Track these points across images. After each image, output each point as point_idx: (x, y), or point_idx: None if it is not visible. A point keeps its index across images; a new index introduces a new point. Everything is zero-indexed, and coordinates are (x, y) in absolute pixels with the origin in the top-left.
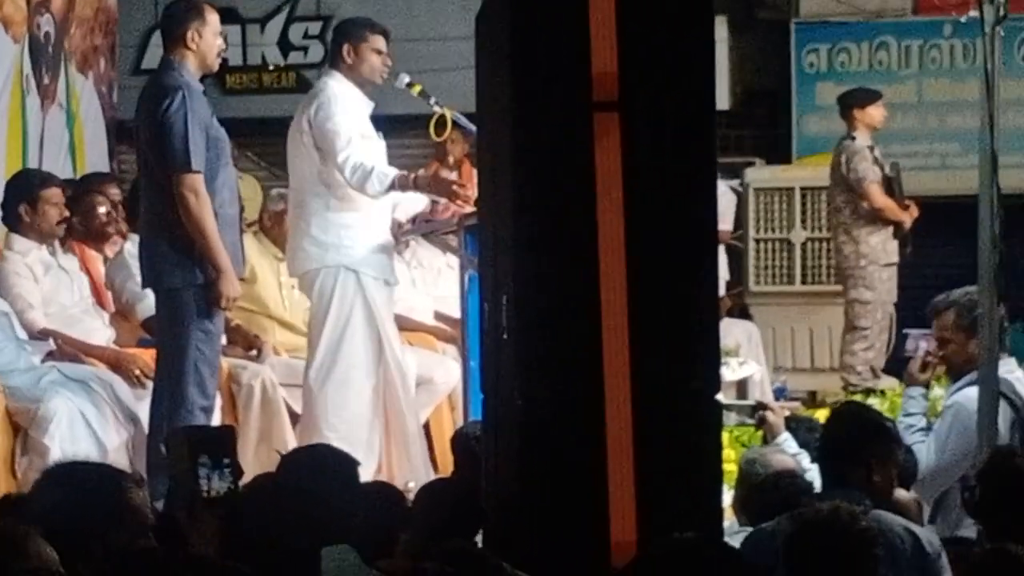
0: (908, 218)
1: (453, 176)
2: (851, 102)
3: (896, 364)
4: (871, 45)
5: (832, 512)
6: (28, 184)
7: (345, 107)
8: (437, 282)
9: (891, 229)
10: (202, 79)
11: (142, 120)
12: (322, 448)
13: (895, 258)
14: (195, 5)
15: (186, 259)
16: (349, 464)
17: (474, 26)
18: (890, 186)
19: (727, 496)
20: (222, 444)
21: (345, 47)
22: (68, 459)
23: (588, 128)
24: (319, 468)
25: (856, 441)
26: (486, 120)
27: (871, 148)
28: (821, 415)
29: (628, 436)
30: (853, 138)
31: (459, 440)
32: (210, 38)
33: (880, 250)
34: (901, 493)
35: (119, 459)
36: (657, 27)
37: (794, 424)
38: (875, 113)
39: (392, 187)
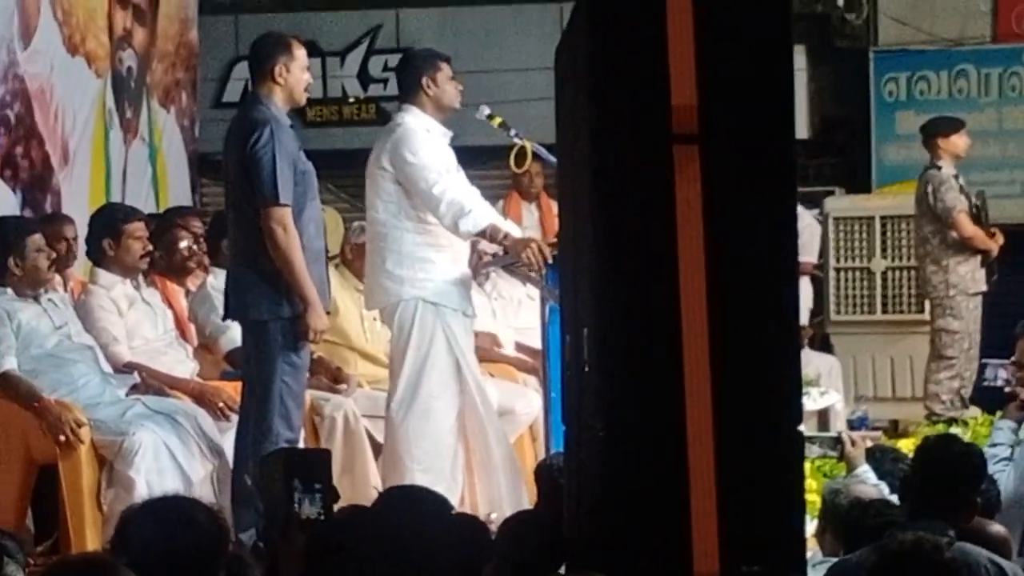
0: (995, 246)
1: (532, 210)
2: (934, 131)
3: (976, 393)
4: (950, 73)
5: (916, 543)
6: (112, 218)
7: (426, 141)
8: (518, 313)
9: (979, 258)
10: (289, 113)
11: (230, 154)
12: (419, 489)
13: (983, 287)
14: (282, 40)
15: (273, 292)
16: (446, 507)
17: (553, 57)
18: (977, 215)
19: (809, 526)
20: (317, 468)
21: (424, 79)
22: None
23: (668, 160)
24: (415, 508)
25: (943, 472)
26: (566, 152)
27: (956, 177)
28: (903, 444)
29: (710, 467)
30: (938, 167)
31: (543, 472)
32: (297, 72)
33: (969, 279)
34: (989, 525)
35: (204, 491)
36: (737, 58)
37: (878, 454)
38: (959, 142)
39: (482, 235)
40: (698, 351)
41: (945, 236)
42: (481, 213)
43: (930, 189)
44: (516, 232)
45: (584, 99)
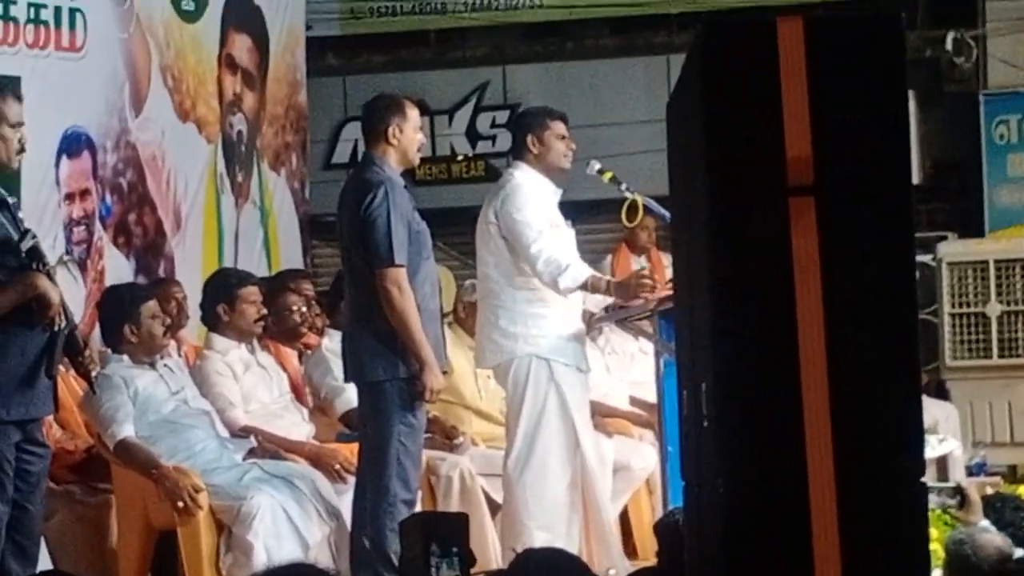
0: None
1: (642, 262)
2: None
3: None
4: None
5: None
6: (226, 284)
7: (532, 197)
8: (631, 367)
9: None
10: (401, 173)
11: (345, 215)
12: (556, 551)
13: None
14: (395, 101)
15: (389, 352)
16: (583, 569)
17: (661, 110)
18: None
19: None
20: (454, 532)
21: (529, 137)
22: (275, 559)
23: (784, 213)
24: (554, 570)
25: None
26: (679, 204)
27: None
28: (1023, 490)
29: (833, 521)
30: None
31: (664, 528)
32: (411, 133)
33: None
34: None
35: (322, 555)
36: (851, 108)
37: (998, 504)
38: None
39: (584, 287)
40: (818, 404)
41: None
42: (579, 268)
43: None
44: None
45: (697, 152)
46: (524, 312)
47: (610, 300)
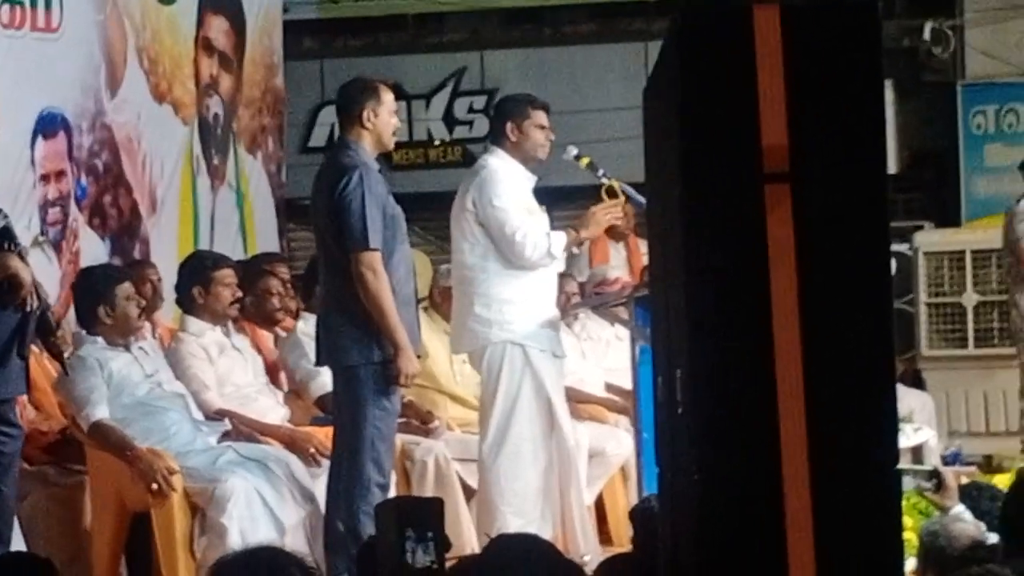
0: None
1: (620, 249)
2: None
3: None
4: None
5: None
6: (201, 266)
7: (507, 184)
8: (607, 354)
9: None
10: (376, 157)
11: (319, 199)
12: (527, 537)
13: None
14: (371, 84)
15: (364, 336)
16: (554, 554)
17: (639, 96)
18: None
19: (906, 564)
20: (430, 517)
21: (508, 125)
22: (250, 542)
23: (759, 200)
24: (524, 555)
25: None
26: (655, 191)
27: None
28: (998, 480)
29: (807, 509)
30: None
31: (639, 514)
32: (386, 117)
33: None
34: None
35: (296, 538)
36: (827, 96)
37: (975, 492)
38: None
39: (567, 247)
40: (792, 392)
41: (1018, 269)
42: (557, 235)
43: (1007, 221)
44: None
45: (673, 139)
46: (499, 298)
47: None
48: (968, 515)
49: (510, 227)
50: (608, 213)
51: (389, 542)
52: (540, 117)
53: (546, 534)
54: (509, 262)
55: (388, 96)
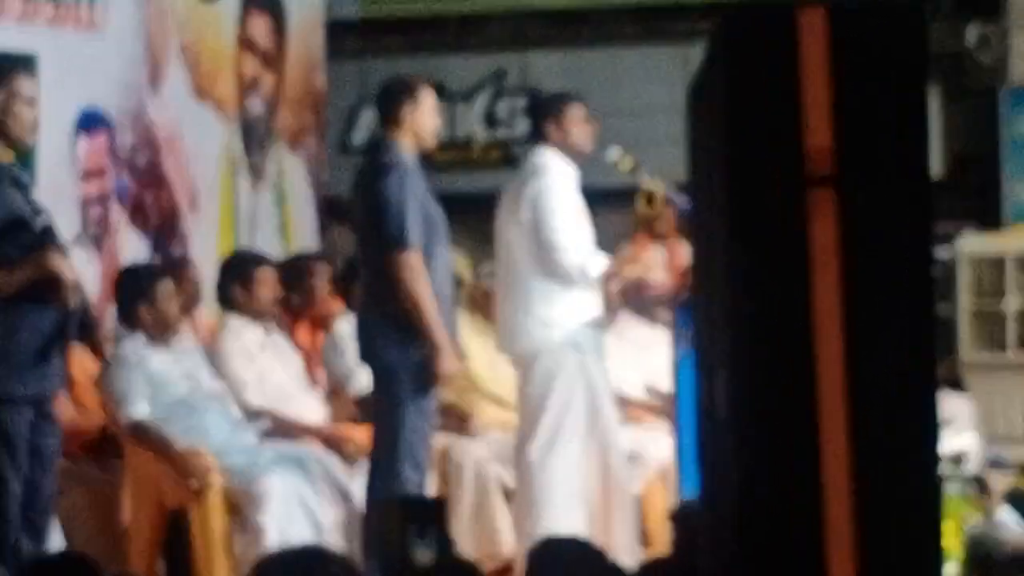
0: None
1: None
2: None
3: None
4: None
5: None
6: (242, 265)
7: (565, 195)
8: (647, 356)
9: None
10: (419, 157)
11: (359, 198)
12: (579, 540)
13: None
14: (410, 84)
15: (403, 336)
16: (602, 557)
17: (680, 98)
18: None
19: (947, 568)
20: (433, 514)
21: (548, 124)
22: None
23: (803, 203)
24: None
25: None
26: (699, 194)
27: None
28: None
29: (847, 514)
30: None
31: (679, 518)
32: (426, 116)
33: None
34: None
35: (334, 537)
36: (872, 99)
37: (1019, 500)
38: None
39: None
40: (834, 396)
41: None
42: (594, 261)
43: None
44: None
45: (717, 141)
46: (557, 300)
47: None
48: (1012, 519)
49: (559, 235)
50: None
51: (392, 539)
52: (577, 111)
53: (591, 537)
54: (555, 263)
55: (428, 96)
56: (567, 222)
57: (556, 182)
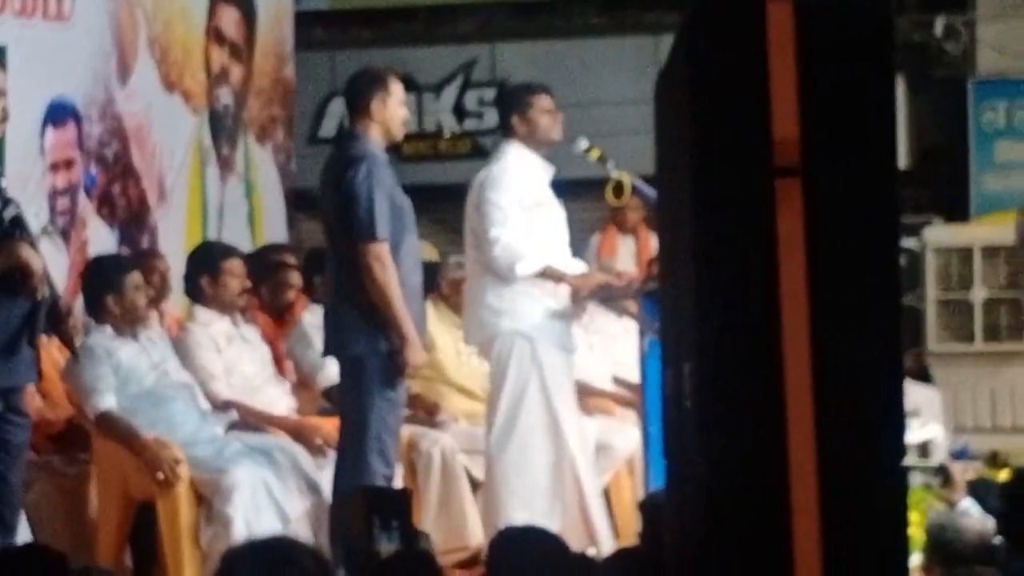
0: None
1: (629, 243)
2: None
3: None
4: None
5: None
6: (210, 256)
7: (515, 179)
8: (614, 347)
9: None
10: (385, 148)
11: (327, 190)
12: (537, 529)
13: None
14: (379, 75)
15: (370, 327)
16: (562, 547)
17: (649, 89)
18: None
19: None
20: (396, 506)
21: (514, 116)
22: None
23: (770, 194)
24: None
25: None
26: (665, 185)
27: None
28: (1004, 476)
29: (814, 503)
30: None
31: (648, 507)
32: (394, 108)
33: None
34: None
35: (301, 528)
36: (839, 91)
37: (981, 490)
38: None
39: (541, 275)
40: (800, 386)
41: None
42: (536, 257)
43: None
44: (576, 270)
45: (685, 132)
46: (512, 290)
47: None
48: (976, 509)
49: (488, 221)
50: (596, 291)
51: (355, 531)
52: (543, 101)
53: (553, 527)
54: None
55: (397, 87)
56: (504, 215)
57: (503, 172)
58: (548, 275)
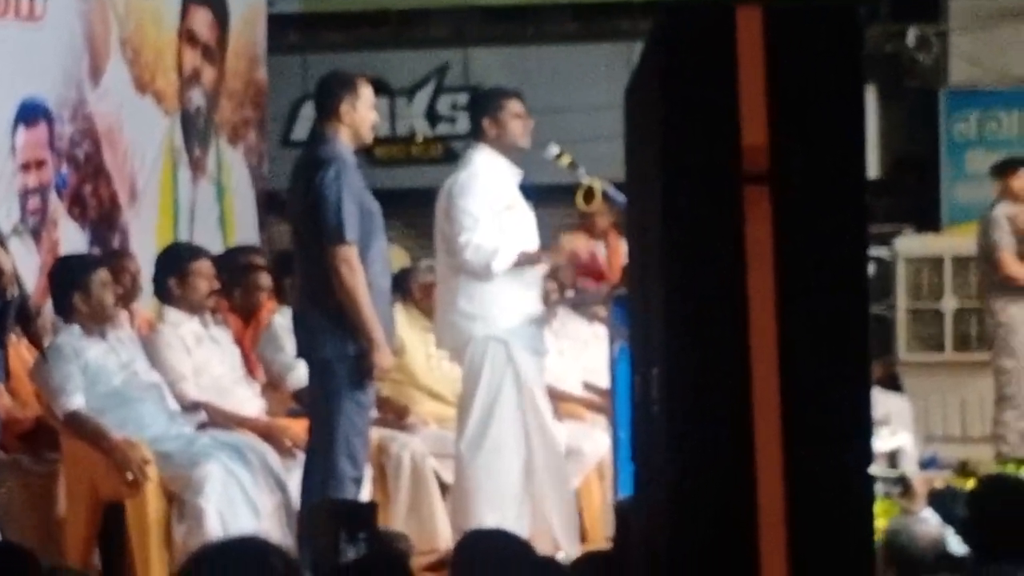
0: None
1: (600, 248)
2: (996, 170)
3: None
4: (1021, 112)
5: None
6: (178, 257)
7: (484, 184)
8: (585, 352)
9: None
10: (356, 151)
11: (295, 192)
12: (500, 533)
13: None
14: (349, 78)
15: (339, 330)
16: (528, 550)
17: (621, 96)
18: None
19: None
20: (361, 518)
21: (484, 120)
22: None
23: (738, 201)
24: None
25: (1005, 512)
26: (635, 191)
27: (1014, 217)
28: (972, 485)
29: (780, 509)
30: (995, 206)
31: (620, 511)
32: (364, 111)
33: (1019, 319)
34: None
35: (272, 524)
36: (808, 98)
37: (947, 499)
38: (1015, 182)
39: (520, 264)
40: (768, 392)
41: (993, 276)
42: (509, 250)
43: (982, 228)
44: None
45: (654, 138)
46: (482, 293)
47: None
48: (934, 518)
49: (458, 227)
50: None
51: (322, 542)
52: (514, 106)
53: (521, 531)
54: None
55: (366, 90)
56: (475, 220)
57: (473, 177)
58: (524, 261)
